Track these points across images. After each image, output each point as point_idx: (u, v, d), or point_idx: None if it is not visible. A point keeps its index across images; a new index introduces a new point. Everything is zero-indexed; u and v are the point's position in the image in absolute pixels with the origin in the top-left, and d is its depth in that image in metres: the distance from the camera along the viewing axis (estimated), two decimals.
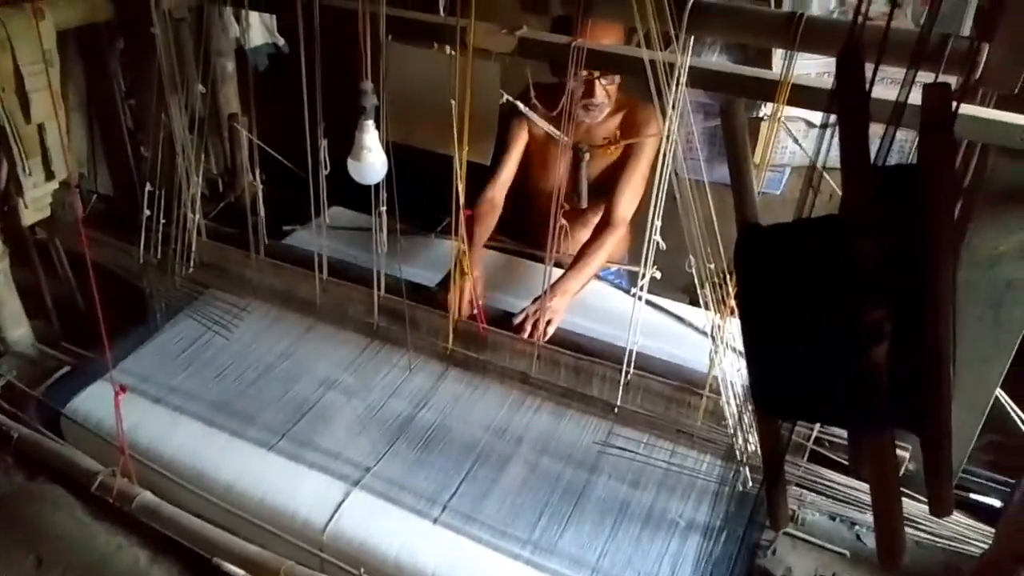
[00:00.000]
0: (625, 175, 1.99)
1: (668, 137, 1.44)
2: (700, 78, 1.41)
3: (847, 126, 0.76)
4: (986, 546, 1.45)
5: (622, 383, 1.68)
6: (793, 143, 2.48)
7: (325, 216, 1.82)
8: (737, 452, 1.58)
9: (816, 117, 2.39)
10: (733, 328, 1.49)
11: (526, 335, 1.76)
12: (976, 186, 1.35)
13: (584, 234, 2.05)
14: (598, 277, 2.04)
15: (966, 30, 1.97)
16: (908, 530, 1.47)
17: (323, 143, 1.66)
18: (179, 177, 1.93)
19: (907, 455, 1.44)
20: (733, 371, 1.54)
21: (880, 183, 0.76)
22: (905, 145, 1.76)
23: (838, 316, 0.79)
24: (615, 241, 1.98)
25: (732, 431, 1.58)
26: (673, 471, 1.63)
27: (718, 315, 1.51)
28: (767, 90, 1.36)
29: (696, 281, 1.49)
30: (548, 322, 1.77)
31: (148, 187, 1.95)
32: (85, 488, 1.50)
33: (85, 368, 1.84)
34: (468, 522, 1.51)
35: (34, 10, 1.67)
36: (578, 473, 1.62)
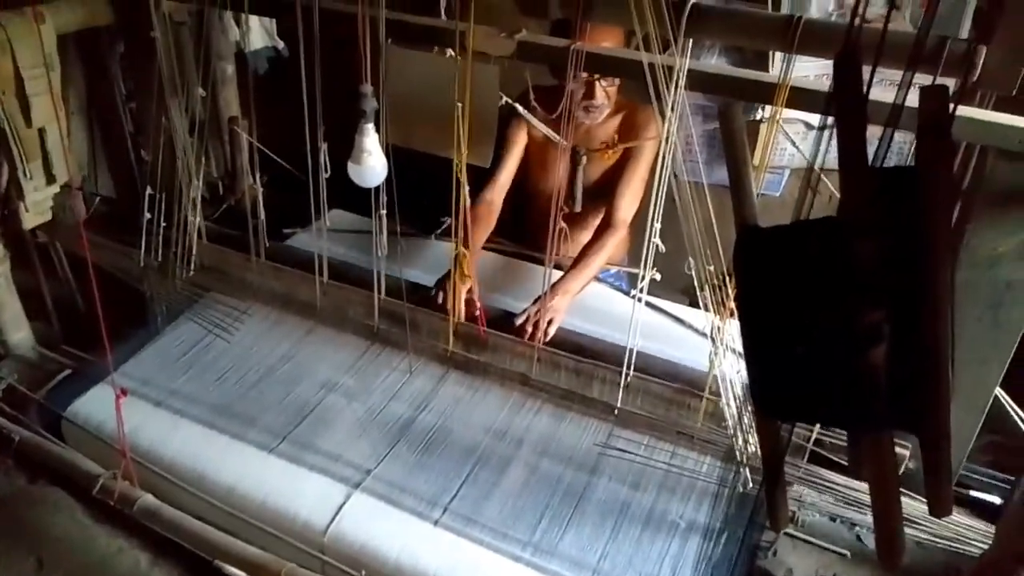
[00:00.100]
0: (625, 177, 2.00)
1: (667, 139, 1.44)
2: (699, 81, 1.41)
3: (845, 128, 0.76)
4: (986, 546, 1.45)
5: (622, 385, 1.68)
6: (791, 145, 2.48)
7: (325, 219, 1.82)
8: (737, 453, 1.58)
9: (815, 119, 2.39)
10: (733, 330, 1.49)
11: (528, 335, 1.76)
12: (975, 187, 1.35)
13: (584, 236, 2.05)
14: (598, 279, 2.04)
15: (964, 32, 1.98)
16: (908, 530, 1.48)
17: (323, 146, 1.66)
18: (180, 180, 1.93)
19: (907, 454, 1.44)
20: (733, 372, 1.54)
21: (878, 185, 0.76)
22: (904, 147, 1.77)
23: (837, 317, 0.79)
24: (615, 243, 1.98)
25: (732, 432, 1.58)
26: (673, 472, 1.63)
27: (718, 317, 1.51)
28: (765, 92, 1.37)
29: (696, 283, 1.50)
30: (549, 322, 1.77)
31: (149, 190, 1.95)
32: (86, 491, 1.50)
33: (86, 371, 1.84)
34: (469, 524, 1.51)
35: (35, 14, 1.67)
36: (578, 475, 1.62)
